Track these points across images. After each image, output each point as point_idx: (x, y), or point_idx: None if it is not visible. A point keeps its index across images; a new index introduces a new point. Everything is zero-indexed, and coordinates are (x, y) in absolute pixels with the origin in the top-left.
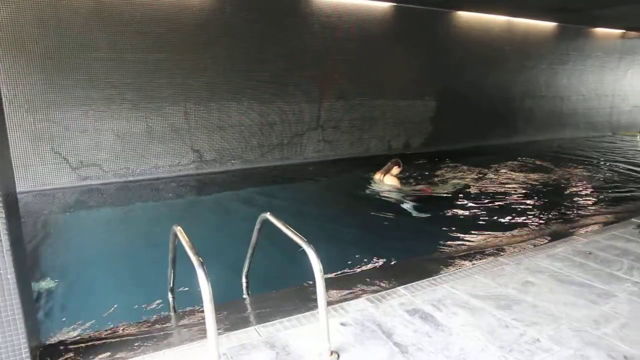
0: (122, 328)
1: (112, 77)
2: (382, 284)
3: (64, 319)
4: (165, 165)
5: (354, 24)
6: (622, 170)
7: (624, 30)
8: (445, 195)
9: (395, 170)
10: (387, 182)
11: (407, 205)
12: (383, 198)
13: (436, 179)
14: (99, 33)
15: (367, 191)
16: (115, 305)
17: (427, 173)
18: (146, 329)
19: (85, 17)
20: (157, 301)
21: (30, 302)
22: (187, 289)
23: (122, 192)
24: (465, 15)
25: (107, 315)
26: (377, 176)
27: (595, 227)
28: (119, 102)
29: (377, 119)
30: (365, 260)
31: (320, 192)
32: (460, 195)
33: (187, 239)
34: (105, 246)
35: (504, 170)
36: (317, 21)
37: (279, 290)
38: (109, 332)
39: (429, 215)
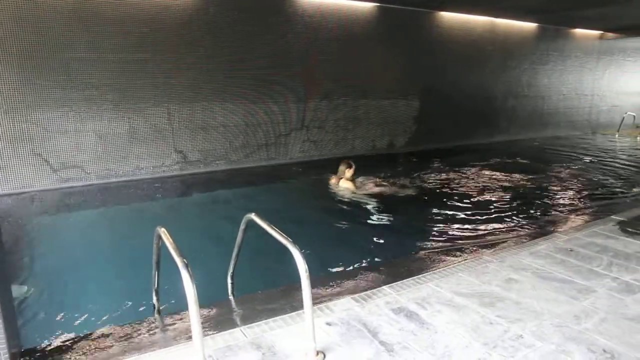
0: (105, 331)
1: (92, 78)
2: (368, 283)
3: (45, 324)
4: (148, 166)
5: (337, 24)
6: (602, 169)
7: (601, 32)
8: (415, 195)
9: (348, 173)
10: (342, 185)
11: (373, 206)
12: (357, 200)
13: (407, 180)
14: (79, 32)
15: (341, 194)
16: (99, 309)
17: (406, 172)
18: (130, 332)
19: (64, 16)
20: (142, 303)
21: (10, 307)
22: (172, 290)
23: (105, 193)
24: (447, 16)
25: (91, 319)
26: (333, 181)
27: (576, 224)
28: (100, 102)
29: (361, 118)
30: (350, 260)
31: (301, 193)
32: (440, 194)
33: (171, 241)
34: (88, 249)
35: (486, 169)
36: (300, 21)
37: (265, 290)
38: (92, 335)
39: (395, 216)
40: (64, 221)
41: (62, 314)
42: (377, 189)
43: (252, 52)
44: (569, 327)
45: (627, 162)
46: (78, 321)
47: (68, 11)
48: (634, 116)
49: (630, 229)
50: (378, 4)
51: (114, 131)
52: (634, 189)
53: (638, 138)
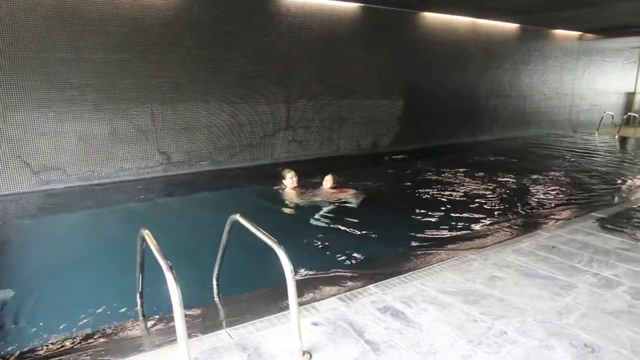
0: (89, 335)
1: (73, 78)
2: (353, 283)
3: (28, 328)
4: (131, 167)
5: (321, 24)
6: (582, 167)
7: (581, 32)
8: (382, 196)
9: (291, 182)
10: (287, 192)
11: (327, 208)
12: (335, 202)
13: (371, 182)
14: (59, 32)
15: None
16: (82, 312)
17: (383, 173)
18: (115, 336)
19: (44, 15)
20: (126, 307)
21: None
22: (156, 293)
23: (87, 195)
24: (430, 16)
25: (74, 322)
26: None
27: (558, 221)
28: (81, 103)
29: (346, 118)
30: (336, 259)
31: (286, 193)
32: (423, 193)
33: (155, 243)
34: (70, 252)
35: (469, 168)
36: (284, 21)
37: (250, 291)
38: (75, 340)
39: (375, 217)
40: (45, 224)
41: (45, 318)
42: (326, 194)
43: (236, 52)
44: (552, 322)
45: (606, 161)
46: (61, 325)
47: (47, 10)
48: (613, 115)
49: (609, 226)
50: (361, 4)
51: (96, 132)
52: (613, 187)
53: (617, 137)
